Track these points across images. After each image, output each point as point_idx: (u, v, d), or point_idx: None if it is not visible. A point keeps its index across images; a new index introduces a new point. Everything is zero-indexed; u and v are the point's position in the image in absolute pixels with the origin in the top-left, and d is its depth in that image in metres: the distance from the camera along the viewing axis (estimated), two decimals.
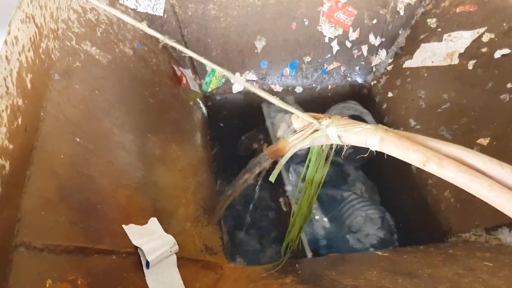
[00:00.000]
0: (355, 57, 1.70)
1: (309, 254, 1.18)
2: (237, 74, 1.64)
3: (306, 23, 1.56)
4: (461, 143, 0.61)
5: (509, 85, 1.20)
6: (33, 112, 0.71)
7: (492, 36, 1.31)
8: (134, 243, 0.78)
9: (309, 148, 0.86)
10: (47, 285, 0.57)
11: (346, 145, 0.74)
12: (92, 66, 0.98)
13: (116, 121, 0.97)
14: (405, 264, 0.95)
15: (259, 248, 1.75)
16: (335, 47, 1.64)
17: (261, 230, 1.80)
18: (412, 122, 1.48)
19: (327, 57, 1.68)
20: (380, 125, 0.67)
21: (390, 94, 1.64)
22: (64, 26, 0.95)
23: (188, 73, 1.56)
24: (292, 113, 0.76)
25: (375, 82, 1.75)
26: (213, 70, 1.60)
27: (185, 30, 1.48)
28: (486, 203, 0.54)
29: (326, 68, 1.71)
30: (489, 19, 1.34)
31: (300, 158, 1.59)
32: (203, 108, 1.57)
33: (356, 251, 1.38)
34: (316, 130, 0.74)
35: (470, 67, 1.35)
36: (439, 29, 1.51)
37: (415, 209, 1.46)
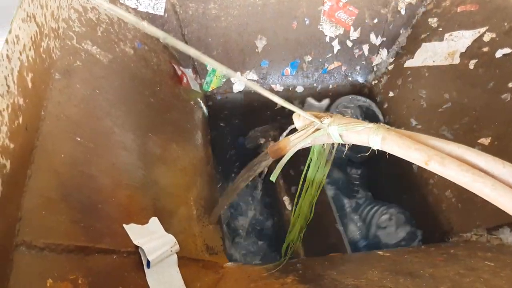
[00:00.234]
0: (356, 56, 1.70)
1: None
2: (238, 73, 1.63)
3: (307, 22, 1.56)
4: (462, 143, 0.60)
5: (510, 85, 1.20)
6: (34, 111, 0.71)
7: (493, 35, 1.31)
8: (135, 242, 0.78)
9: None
10: (48, 284, 0.57)
11: (348, 144, 0.73)
12: (92, 66, 0.98)
13: (117, 121, 0.96)
14: (406, 264, 0.95)
15: (260, 248, 1.75)
16: (336, 46, 1.64)
17: (262, 230, 1.79)
18: (413, 122, 1.48)
19: (328, 56, 1.67)
20: (382, 124, 0.67)
21: (391, 94, 1.64)
22: (64, 25, 0.95)
23: (188, 72, 1.55)
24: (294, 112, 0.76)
25: (376, 81, 1.74)
26: (213, 70, 1.60)
27: (185, 30, 1.48)
28: (487, 203, 0.54)
29: (327, 67, 1.71)
30: (490, 18, 1.34)
31: None
32: (204, 108, 1.57)
33: (389, 247, 1.44)
34: (317, 129, 0.74)
35: (471, 66, 1.34)
36: (440, 29, 1.50)
37: (416, 209, 1.46)
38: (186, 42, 1.51)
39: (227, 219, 1.77)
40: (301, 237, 1.00)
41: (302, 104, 1.79)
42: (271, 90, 1.71)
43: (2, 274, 0.52)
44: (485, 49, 1.32)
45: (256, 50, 1.59)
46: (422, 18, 1.61)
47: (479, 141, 1.21)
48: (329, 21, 1.57)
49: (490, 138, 1.19)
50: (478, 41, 1.36)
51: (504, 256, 0.95)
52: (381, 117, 1.64)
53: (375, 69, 1.75)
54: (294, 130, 0.80)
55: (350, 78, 1.76)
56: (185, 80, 1.48)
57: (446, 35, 1.47)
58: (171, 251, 0.85)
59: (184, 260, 0.90)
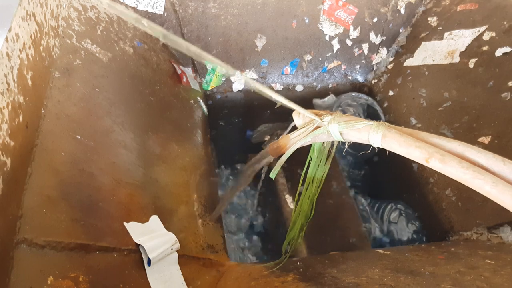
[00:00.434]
0: (355, 55, 1.70)
1: None
2: (238, 72, 1.63)
3: (307, 21, 1.56)
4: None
5: (510, 84, 1.20)
6: (34, 109, 0.71)
7: (493, 34, 1.31)
8: (136, 240, 0.78)
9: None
10: (49, 282, 0.57)
11: (348, 142, 0.73)
12: (92, 64, 0.98)
13: (117, 119, 0.96)
14: (407, 262, 0.94)
15: (260, 247, 1.76)
16: (336, 45, 1.64)
17: (263, 228, 1.80)
18: (413, 121, 1.48)
19: (327, 55, 1.67)
20: (382, 121, 0.67)
21: (391, 93, 1.64)
22: (64, 24, 0.95)
23: (188, 71, 1.55)
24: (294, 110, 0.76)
25: (376, 80, 1.74)
26: (213, 69, 1.60)
27: (185, 29, 1.48)
28: (487, 202, 0.54)
29: (327, 66, 1.71)
30: (490, 17, 1.34)
31: None
32: (204, 107, 1.57)
33: (403, 243, 1.48)
34: (317, 127, 0.74)
35: (471, 65, 1.35)
36: (440, 28, 1.51)
37: (416, 208, 1.46)
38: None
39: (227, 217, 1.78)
40: (302, 234, 1.00)
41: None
42: (271, 89, 1.71)
43: (3, 272, 0.52)
44: (485, 48, 1.32)
45: (256, 49, 1.59)
46: (422, 17, 1.61)
47: (479, 139, 1.21)
48: (329, 20, 1.57)
49: (490, 136, 1.19)
50: (477, 40, 1.36)
51: (504, 254, 0.95)
52: (382, 115, 1.64)
53: (374, 68, 1.75)
54: (295, 128, 0.80)
55: (349, 77, 1.76)
56: (184, 79, 1.48)
57: (446, 34, 1.47)
58: (172, 249, 0.85)
59: (185, 258, 0.90)
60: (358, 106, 1.70)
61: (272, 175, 0.85)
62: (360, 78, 1.77)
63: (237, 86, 1.67)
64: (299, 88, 1.74)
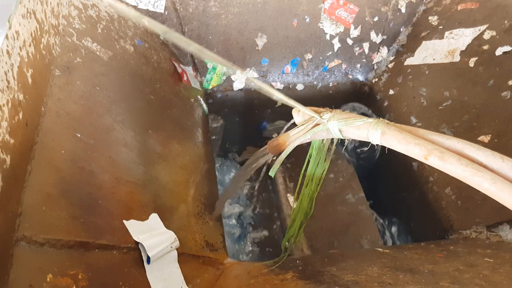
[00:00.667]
0: (356, 54, 1.70)
1: None
2: (238, 71, 1.64)
3: (307, 20, 1.56)
4: None
5: (510, 82, 1.20)
6: (34, 107, 0.71)
7: (494, 33, 1.31)
8: (135, 238, 0.78)
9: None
10: (48, 279, 0.57)
11: (347, 139, 0.73)
12: (93, 62, 0.98)
13: (117, 117, 0.97)
14: (406, 260, 0.95)
15: (261, 246, 1.75)
16: (336, 44, 1.64)
17: (263, 226, 1.79)
18: (413, 120, 1.48)
19: (328, 54, 1.67)
20: (381, 119, 0.67)
21: (391, 92, 1.64)
22: (65, 22, 0.95)
23: (189, 70, 1.55)
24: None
25: (376, 79, 1.74)
26: (214, 68, 1.60)
27: (186, 27, 1.48)
28: (487, 200, 0.54)
29: (327, 65, 1.71)
30: (490, 16, 1.34)
31: None
32: (204, 105, 1.57)
33: None
34: (317, 124, 0.74)
35: (471, 64, 1.34)
36: (441, 27, 1.51)
37: (416, 207, 1.46)
38: None
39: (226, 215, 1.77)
40: (301, 232, 1.00)
41: None
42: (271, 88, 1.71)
43: (2, 269, 0.52)
44: (485, 47, 1.32)
45: (257, 48, 1.60)
46: (423, 16, 1.61)
47: (479, 138, 1.21)
48: (330, 19, 1.57)
49: (490, 135, 1.19)
50: (478, 39, 1.36)
51: (503, 253, 0.96)
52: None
53: (375, 67, 1.75)
54: (294, 126, 0.80)
55: (350, 76, 1.76)
56: (185, 78, 1.48)
57: (447, 33, 1.47)
58: (171, 247, 0.85)
59: (184, 257, 0.90)
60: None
61: (271, 173, 0.85)
62: (360, 77, 1.77)
63: (238, 85, 1.67)
64: (300, 87, 1.74)
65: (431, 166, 0.61)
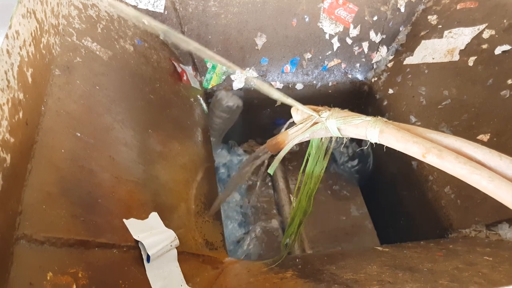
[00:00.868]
0: (355, 54, 1.70)
1: None
2: (238, 71, 1.64)
3: (307, 19, 1.56)
4: None
5: (509, 82, 1.20)
6: (34, 106, 0.71)
7: (493, 32, 1.31)
8: (135, 237, 0.79)
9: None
10: (48, 278, 0.58)
11: (346, 138, 0.74)
12: (92, 62, 0.99)
13: (117, 117, 0.97)
14: (405, 259, 0.95)
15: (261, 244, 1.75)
16: (336, 44, 1.64)
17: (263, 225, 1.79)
18: (413, 119, 1.48)
19: (327, 54, 1.68)
20: (379, 117, 0.67)
21: (390, 91, 1.64)
22: (64, 21, 0.95)
23: (188, 70, 1.56)
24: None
25: (375, 79, 1.74)
26: (213, 67, 1.60)
27: (185, 27, 1.48)
28: (486, 199, 0.55)
29: (327, 65, 1.71)
30: (489, 15, 1.34)
31: None
32: (204, 105, 1.57)
33: None
34: (316, 123, 0.74)
35: (470, 63, 1.35)
36: (440, 26, 1.51)
37: (415, 206, 1.46)
38: None
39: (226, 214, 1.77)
40: (300, 231, 1.01)
41: None
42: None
43: (2, 267, 0.53)
44: (485, 46, 1.32)
45: (256, 48, 1.60)
46: (422, 15, 1.61)
47: (478, 137, 1.21)
48: (329, 18, 1.57)
49: (489, 134, 1.19)
50: (477, 38, 1.36)
51: (502, 251, 0.96)
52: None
53: (374, 66, 1.75)
54: (293, 124, 0.80)
55: (349, 76, 1.76)
56: (185, 77, 1.49)
57: (446, 32, 1.47)
58: (171, 246, 0.85)
59: (184, 255, 0.91)
60: None
61: (271, 170, 0.85)
62: (360, 77, 1.77)
63: (237, 84, 1.67)
64: (299, 86, 1.74)
65: (430, 165, 0.61)
